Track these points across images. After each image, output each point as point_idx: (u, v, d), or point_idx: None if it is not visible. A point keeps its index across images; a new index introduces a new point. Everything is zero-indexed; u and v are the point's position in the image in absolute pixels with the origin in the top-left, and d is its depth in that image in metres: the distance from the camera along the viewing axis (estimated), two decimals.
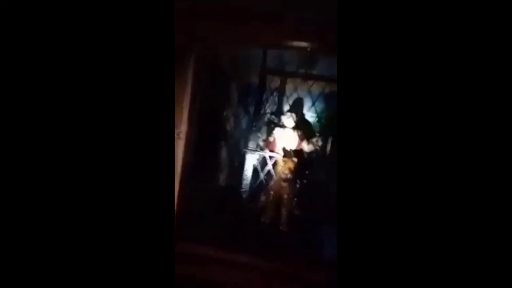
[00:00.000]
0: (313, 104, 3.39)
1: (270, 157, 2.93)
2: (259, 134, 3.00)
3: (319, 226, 2.69)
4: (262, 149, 3.00)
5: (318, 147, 3.07)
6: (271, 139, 3.03)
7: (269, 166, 2.92)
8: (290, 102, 3.39)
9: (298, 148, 2.94)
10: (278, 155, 2.87)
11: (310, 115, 3.49)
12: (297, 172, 2.77)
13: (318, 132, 3.15)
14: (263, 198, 2.92)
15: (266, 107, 3.55)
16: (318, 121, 3.36)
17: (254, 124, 3.28)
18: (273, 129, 3.09)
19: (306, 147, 2.97)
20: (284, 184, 2.75)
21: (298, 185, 2.91)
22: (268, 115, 3.36)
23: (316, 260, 2.32)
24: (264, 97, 3.56)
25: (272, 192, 2.84)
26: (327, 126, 3.35)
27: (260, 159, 2.99)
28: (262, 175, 2.93)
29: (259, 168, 2.96)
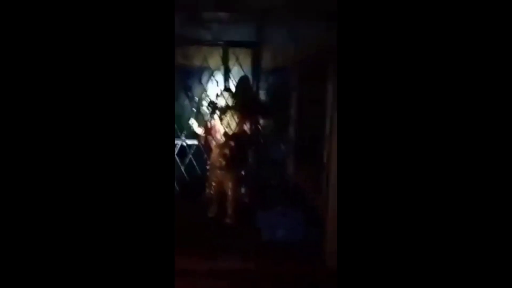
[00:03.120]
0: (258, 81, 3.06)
1: (189, 145, 2.56)
2: (191, 121, 2.64)
3: (270, 213, 2.43)
4: (198, 137, 2.66)
5: (261, 127, 2.78)
6: (209, 124, 2.70)
7: (189, 156, 2.57)
8: (235, 81, 3.04)
9: (239, 131, 2.63)
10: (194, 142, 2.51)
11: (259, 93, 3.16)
12: (235, 157, 2.45)
13: (262, 111, 2.84)
14: (207, 191, 2.62)
15: (207, 89, 3.20)
16: (265, 99, 3.06)
17: (192, 111, 2.93)
18: (212, 113, 2.75)
19: (247, 128, 2.66)
20: (220, 173, 2.43)
21: (242, 172, 2.62)
22: (208, 98, 3.01)
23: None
24: (204, 79, 3.21)
25: (213, 184, 2.54)
26: (272, 104, 3.06)
27: (177, 149, 2.61)
28: (182, 167, 2.56)
29: (177, 159, 2.58)
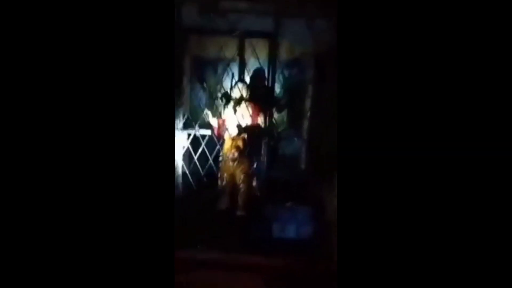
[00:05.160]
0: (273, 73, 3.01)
1: (203, 136, 2.57)
2: (206, 112, 2.63)
3: (280, 206, 2.41)
4: (212, 128, 2.65)
5: (275, 120, 2.74)
6: (223, 115, 2.69)
7: (203, 146, 2.57)
8: (250, 73, 3.00)
9: (252, 124, 2.61)
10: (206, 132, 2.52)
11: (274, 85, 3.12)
12: (247, 150, 2.43)
13: (276, 104, 2.81)
14: (219, 183, 2.61)
15: (222, 80, 3.17)
16: (278, 92, 3.01)
17: (206, 101, 2.92)
18: (226, 104, 2.73)
19: (261, 121, 2.63)
20: (233, 165, 2.41)
21: (255, 164, 2.60)
22: (223, 90, 2.99)
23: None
24: (219, 70, 3.18)
25: (225, 175, 2.53)
26: (287, 96, 3.01)
27: (190, 139, 2.59)
28: (195, 157, 2.58)
29: (191, 149, 2.59)
